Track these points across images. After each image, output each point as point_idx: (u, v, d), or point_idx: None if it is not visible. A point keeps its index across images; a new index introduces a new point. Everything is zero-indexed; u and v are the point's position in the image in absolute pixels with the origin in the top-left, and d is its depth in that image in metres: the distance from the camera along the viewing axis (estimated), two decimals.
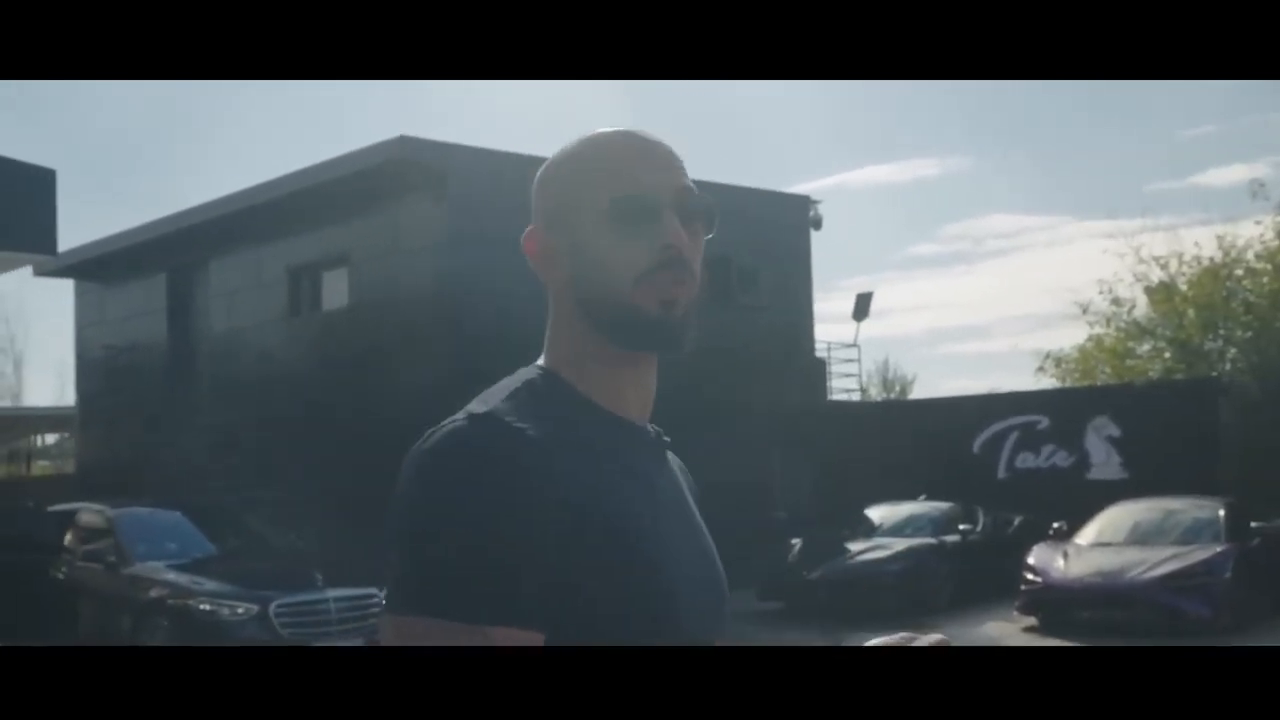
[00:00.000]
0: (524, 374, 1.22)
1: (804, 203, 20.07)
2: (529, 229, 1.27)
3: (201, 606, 8.77)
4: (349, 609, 9.12)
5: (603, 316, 1.21)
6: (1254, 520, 11.77)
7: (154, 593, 9.19)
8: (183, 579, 9.20)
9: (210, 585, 9.01)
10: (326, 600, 9.02)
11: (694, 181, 1.26)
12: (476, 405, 1.16)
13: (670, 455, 1.33)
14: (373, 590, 9.41)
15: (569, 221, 1.23)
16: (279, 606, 8.76)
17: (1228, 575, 10.70)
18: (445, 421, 1.15)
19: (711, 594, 1.24)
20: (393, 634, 1.06)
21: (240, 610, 8.70)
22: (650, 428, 1.28)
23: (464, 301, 14.93)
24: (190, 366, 19.11)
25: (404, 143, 15.08)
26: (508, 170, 15.12)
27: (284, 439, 16.29)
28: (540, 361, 1.26)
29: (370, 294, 16.13)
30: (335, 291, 17.03)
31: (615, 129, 1.28)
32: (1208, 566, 10.74)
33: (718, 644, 1.21)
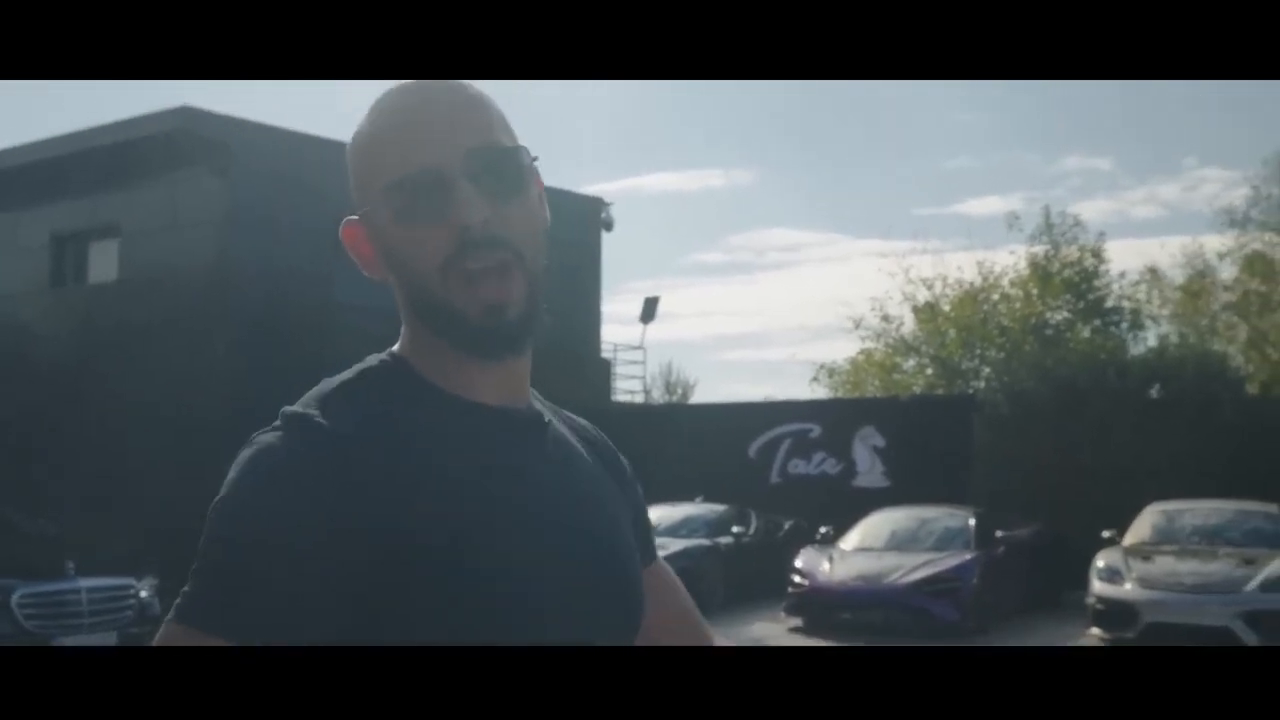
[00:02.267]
0: (368, 361, 1.08)
1: (597, 204, 20.25)
2: (347, 216, 1.10)
3: None
4: (103, 600, 8.59)
5: (427, 319, 1.05)
6: (999, 529, 12.62)
7: None
8: None
9: None
10: (78, 591, 8.45)
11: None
12: (302, 401, 1.02)
13: (577, 431, 1.19)
14: (130, 581, 8.90)
15: (365, 207, 1.06)
16: (22, 597, 8.15)
17: (975, 580, 11.43)
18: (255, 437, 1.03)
19: (595, 587, 1.06)
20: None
21: None
22: (530, 406, 1.11)
23: (242, 282, 14.34)
24: None
25: (186, 113, 14.36)
26: (296, 150, 14.63)
27: (40, 418, 15.21)
28: (394, 347, 1.10)
29: (142, 269, 15.27)
30: (103, 264, 16.04)
31: (400, 84, 1.08)
32: (957, 572, 11.44)
33: (616, 640, 1.07)
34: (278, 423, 1.00)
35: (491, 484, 1.02)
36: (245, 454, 0.99)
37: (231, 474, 0.98)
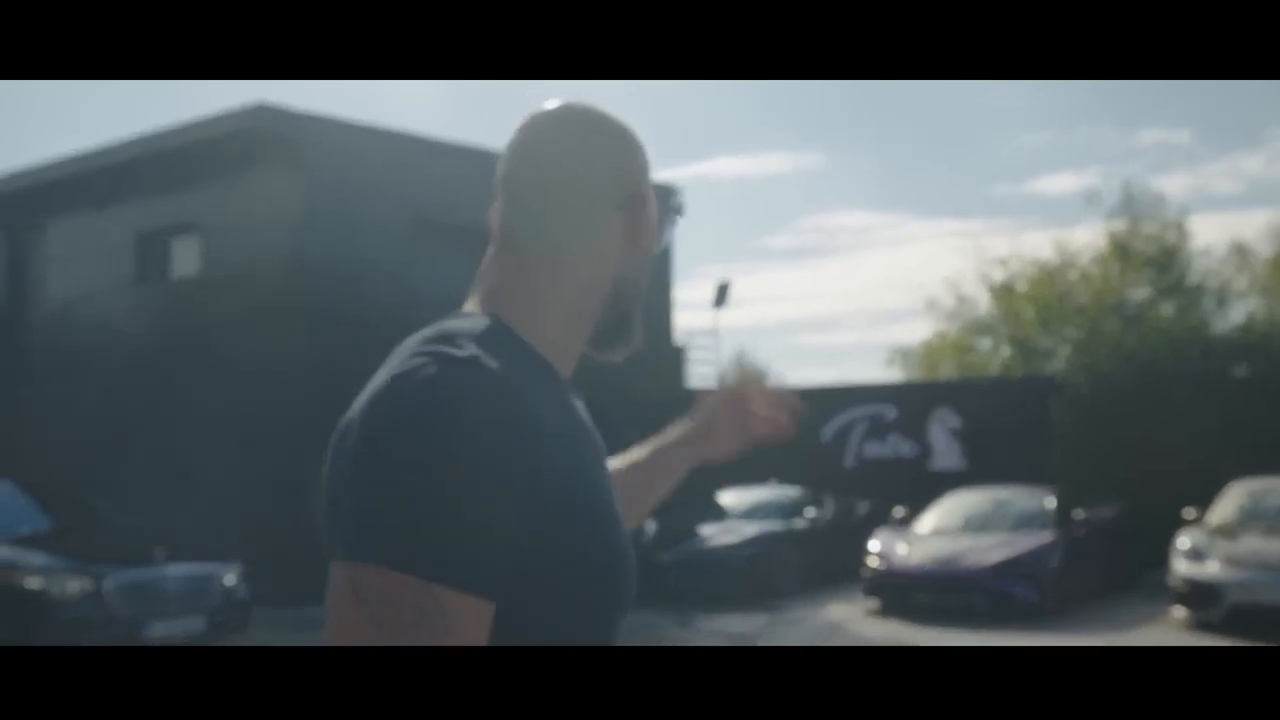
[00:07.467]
0: (479, 323, 1.10)
1: (666, 191, 20.23)
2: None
3: (29, 582, 8.39)
4: (190, 586, 8.86)
5: (622, 310, 1.24)
6: (1079, 510, 12.41)
7: None
8: (10, 553, 8.76)
9: (40, 560, 8.62)
10: (165, 578, 8.73)
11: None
12: (459, 349, 1.02)
13: None
14: (216, 567, 9.17)
15: (635, 191, 1.25)
16: (114, 584, 8.45)
17: (1054, 563, 11.27)
18: (425, 359, 1.01)
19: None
20: (343, 581, 0.95)
21: (71, 587, 8.36)
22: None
23: (319, 277, 14.59)
24: (23, 334, 18.20)
25: (261, 111, 14.63)
26: (372, 145, 14.84)
27: (126, 411, 15.67)
28: (476, 307, 1.15)
29: (222, 265, 15.61)
30: (185, 260, 16.44)
31: (595, 106, 1.28)
32: (1036, 554, 11.28)
33: None
34: (453, 364, 1.00)
35: (596, 448, 1.16)
36: (439, 392, 0.98)
37: (428, 412, 0.97)
